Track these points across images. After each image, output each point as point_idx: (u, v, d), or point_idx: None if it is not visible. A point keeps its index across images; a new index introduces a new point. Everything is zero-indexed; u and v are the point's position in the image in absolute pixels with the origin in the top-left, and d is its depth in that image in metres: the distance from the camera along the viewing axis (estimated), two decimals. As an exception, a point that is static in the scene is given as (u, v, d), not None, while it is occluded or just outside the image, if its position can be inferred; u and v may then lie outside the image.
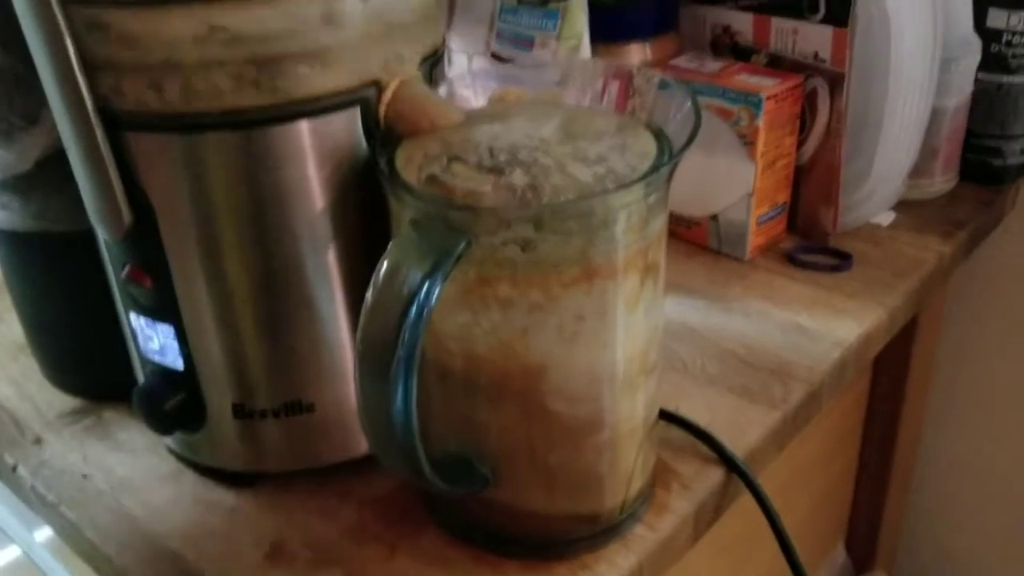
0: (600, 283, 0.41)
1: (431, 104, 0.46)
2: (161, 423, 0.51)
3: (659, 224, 0.43)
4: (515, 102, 0.50)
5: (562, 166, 0.41)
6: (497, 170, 0.41)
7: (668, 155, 0.42)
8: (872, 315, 0.65)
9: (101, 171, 0.44)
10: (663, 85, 0.47)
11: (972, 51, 0.75)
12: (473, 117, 0.47)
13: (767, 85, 0.68)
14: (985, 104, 0.79)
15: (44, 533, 0.85)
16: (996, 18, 0.76)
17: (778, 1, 0.71)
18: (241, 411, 0.50)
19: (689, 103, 0.43)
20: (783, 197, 0.74)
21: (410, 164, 0.43)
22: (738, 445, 0.54)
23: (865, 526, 0.97)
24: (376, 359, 0.39)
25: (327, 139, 0.45)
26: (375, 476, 0.53)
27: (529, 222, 0.39)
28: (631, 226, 0.41)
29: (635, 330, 0.44)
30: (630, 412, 0.46)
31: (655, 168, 0.41)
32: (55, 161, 0.51)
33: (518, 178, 0.40)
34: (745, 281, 0.70)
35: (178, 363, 0.50)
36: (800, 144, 0.72)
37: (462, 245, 0.39)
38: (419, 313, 0.38)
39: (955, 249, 0.75)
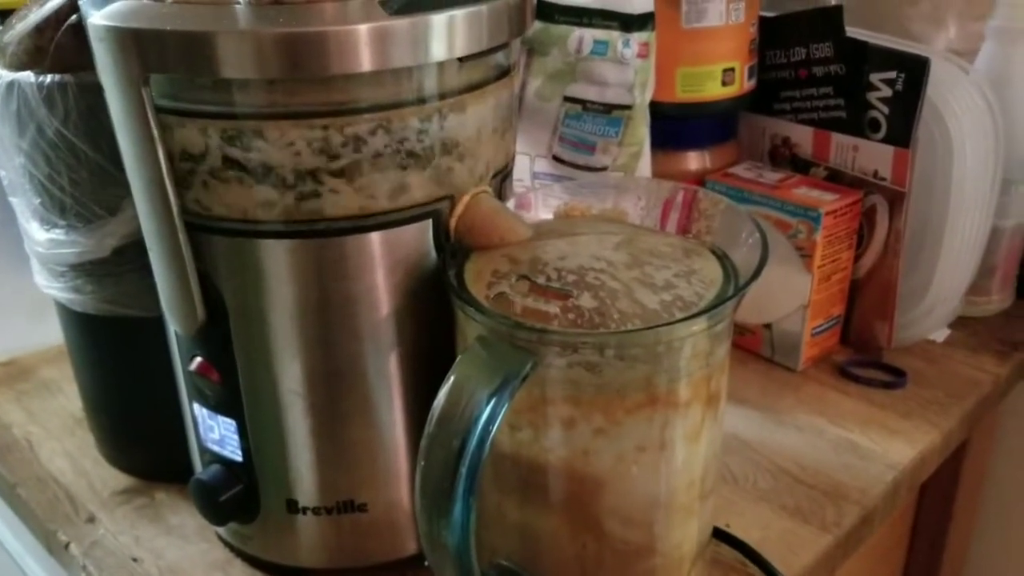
0: (663, 411, 0.41)
1: (502, 219, 0.47)
2: (216, 514, 0.52)
3: (723, 352, 0.43)
4: (580, 218, 0.51)
5: (629, 291, 0.42)
6: (565, 292, 0.42)
7: (734, 285, 0.43)
8: (926, 437, 0.64)
9: (181, 271, 0.45)
10: (730, 210, 0.48)
11: (1032, 173, 0.76)
12: (540, 233, 0.47)
13: (826, 200, 0.68)
14: (1044, 225, 0.79)
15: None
16: (1057, 141, 0.76)
17: (839, 117, 0.72)
18: (295, 507, 0.51)
19: (757, 234, 0.43)
20: (838, 310, 0.74)
21: (479, 280, 0.44)
22: (789, 568, 0.53)
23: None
24: (438, 475, 0.39)
25: (398, 249, 0.46)
26: (422, 577, 0.53)
27: (596, 347, 0.40)
28: (696, 353, 0.41)
29: (695, 459, 0.44)
30: (684, 538, 0.46)
31: (722, 300, 0.41)
32: (131, 250, 0.53)
33: (586, 301, 0.41)
34: (798, 393, 0.70)
35: (237, 455, 0.51)
36: (857, 258, 0.73)
37: (529, 365, 0.39)
38: (484, 431, 0.38)
39: (1011, 371, 0.74)
